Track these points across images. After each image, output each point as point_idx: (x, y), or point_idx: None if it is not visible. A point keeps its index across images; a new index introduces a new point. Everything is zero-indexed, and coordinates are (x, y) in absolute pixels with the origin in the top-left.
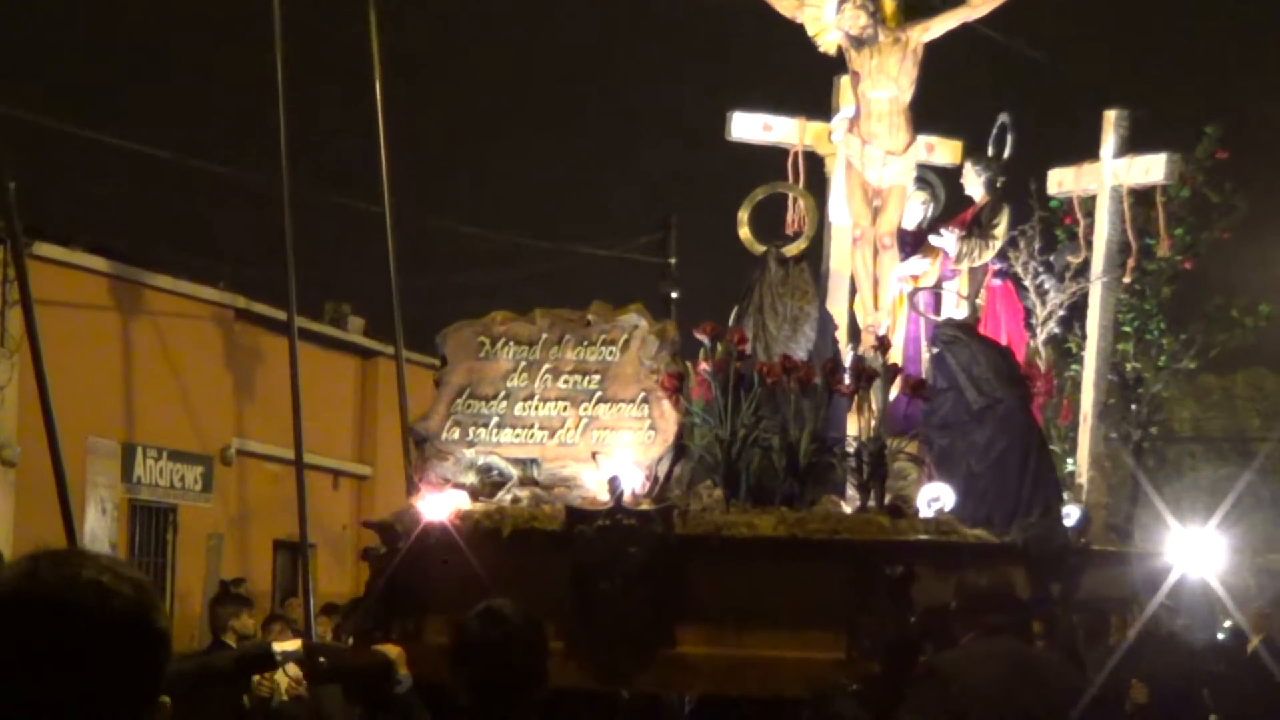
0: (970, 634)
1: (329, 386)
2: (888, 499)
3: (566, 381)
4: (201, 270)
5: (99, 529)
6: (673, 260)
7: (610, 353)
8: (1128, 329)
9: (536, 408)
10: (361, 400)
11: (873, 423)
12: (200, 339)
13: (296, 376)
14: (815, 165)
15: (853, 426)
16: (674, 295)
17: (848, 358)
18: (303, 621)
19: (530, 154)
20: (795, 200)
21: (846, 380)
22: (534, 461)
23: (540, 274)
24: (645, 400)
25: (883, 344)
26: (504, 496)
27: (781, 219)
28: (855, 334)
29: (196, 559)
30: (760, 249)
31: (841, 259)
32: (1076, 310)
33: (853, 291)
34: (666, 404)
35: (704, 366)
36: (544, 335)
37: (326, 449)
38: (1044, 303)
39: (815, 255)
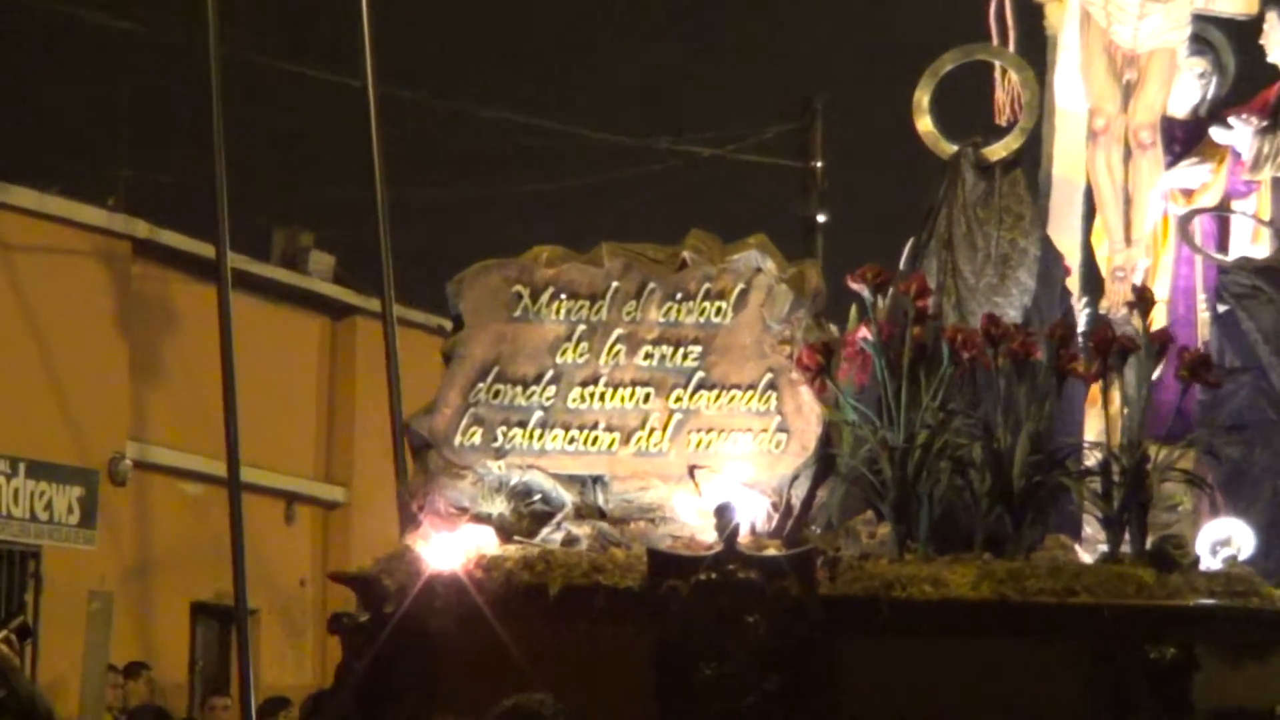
0: None
1: (281, 362)
2: (1150, 541)
3: (649, 356)
4: (81, 181)
5: None
6: (818, 164)
7: (718, 311)
8: None
9: (602, 397)
10: (331, 383)
11: (1127, 422)
12: (79, 286)
13: (230, 346)
14: (1033, 18)
15: (1092, 428)
16: (820, 219)
17: (1084, 319)
18: None
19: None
20: (1003, 74)
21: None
22: (598, 481)
23: (608, 187)
24: (772, 386)
25: (1141, 298)
26: (551, 535)
27: (983, 103)
28: (1096, 282)
29: (70, 631)
30: (949, 150)
31: (1074, 165)
32: None
33: (1091, 215)
34: (805, 392)
35: (862, 334)
36: (614, 284)
37: (276, 460)
38: None
39: (1034, 160)
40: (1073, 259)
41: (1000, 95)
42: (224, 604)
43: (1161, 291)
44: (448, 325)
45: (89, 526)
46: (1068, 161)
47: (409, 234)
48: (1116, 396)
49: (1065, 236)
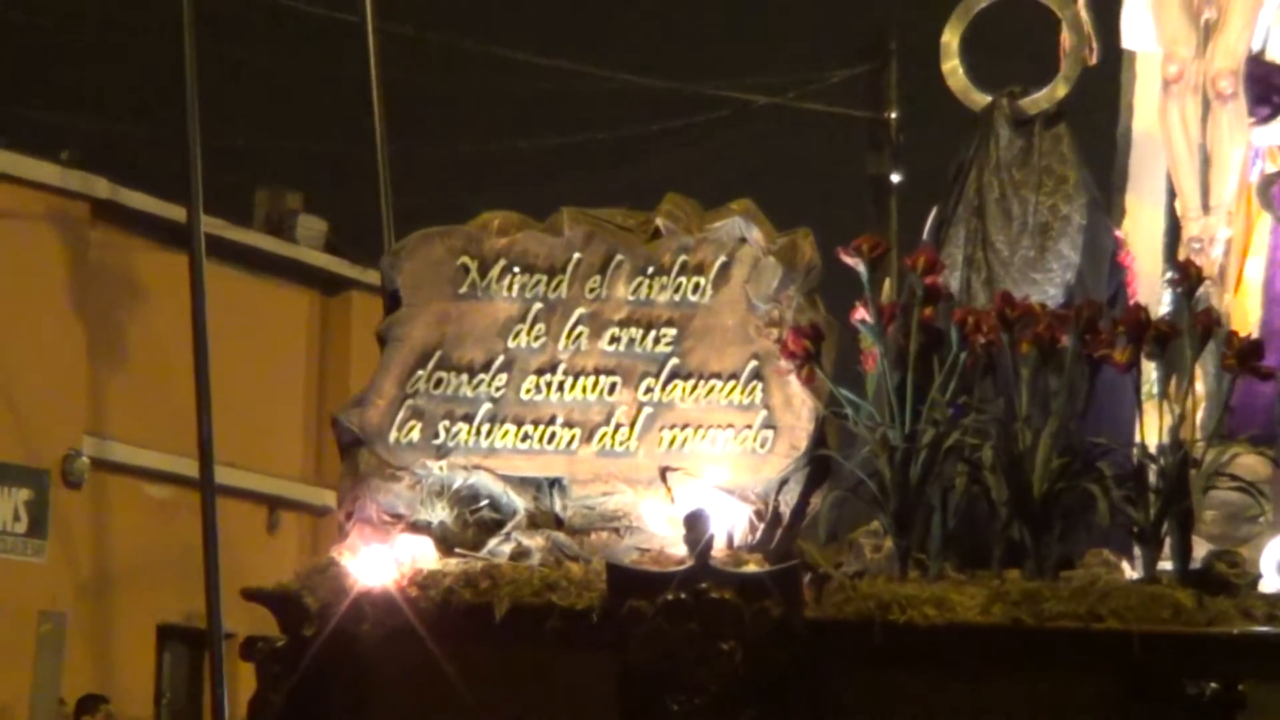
0: None
1: (263, 343)
2: (1198, 557)
3: (616, 340)
4: (33, 133)
5: None
6: (892, 115)
7: (696, 288)
8: None
9: (561, 387)
10: (322, 368)
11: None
12: (27, 254)
13: (203, 326)
14: None
15: (1152, 429)
16: (894, 179)
17: (1168, 298)
18: None
19: None
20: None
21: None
22: (555, 484)
23: (643, 141)
24: (758, 375)
25: (1185, 273)
26: (499, 547)
27: (1036, 48)
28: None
29: (16, 657)
30: (982, 101)
31: (1142, 117)
32: None
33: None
34: (795, 383)
35: (859, 316)
36: (576, 256)
37: (258, 458)
38: None
39: (1087, 112)
40: (1156, 227)
41: (1066, 38)
42: (195, 626)
43: (1254, 271)
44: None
45: (38, 536)
46: (1151, 113)
47: (412, 195)
48: (1186, 391)
49: (1148, 201)
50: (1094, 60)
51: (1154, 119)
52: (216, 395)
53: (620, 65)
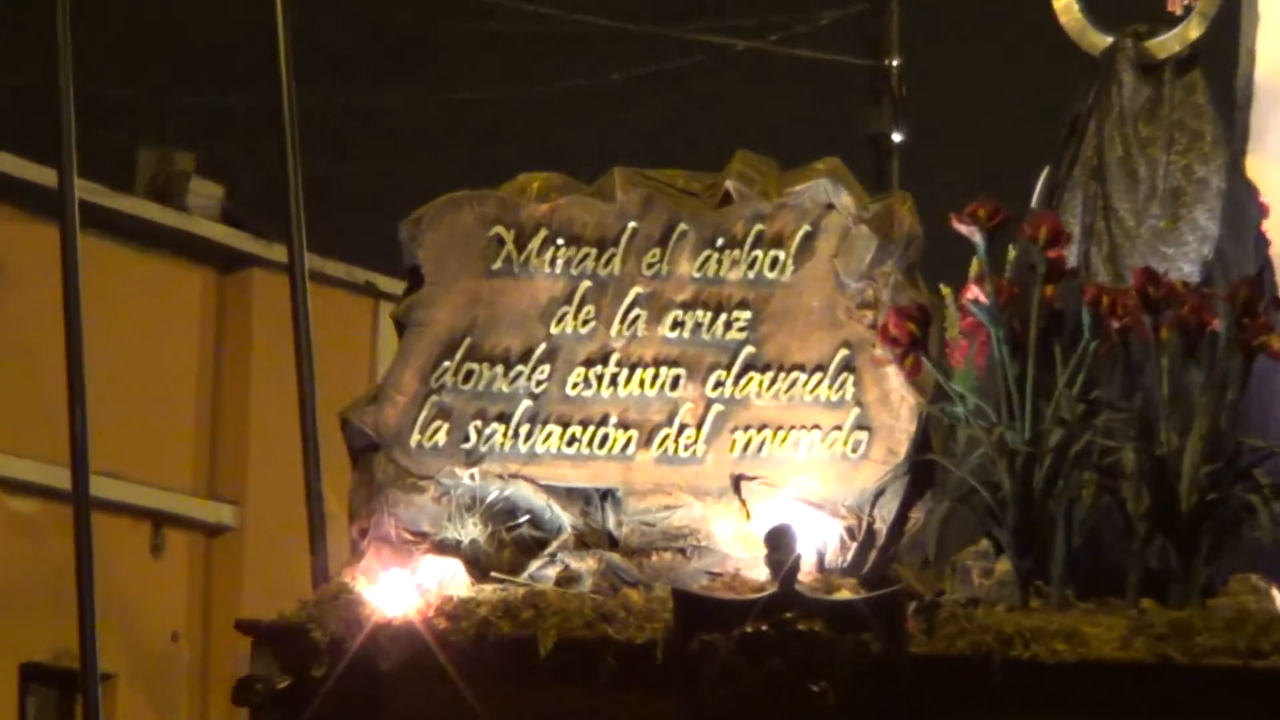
0: None
1: (148, 331)
2: None
3: (679, 326)
4: None
5: None
6: (893, 63)
7: (774, 263)
8: None
9: (614, 381)
10: (217, 360)
11: None
12: None
13: (76, 309)
14: None
15: None
16: (896, 138)
17: None
18: None
19: None
20: None
21: None
22: (608, 497)
23: (608, 93)
24: (849, 367)
25: None
26: (543, 570)
27: None
28: None
29: None
30: (1101, 44)
31: (1268, 64)
32: None
33: None
34: (893, 375)
35: (973, 295)
36: (631, 225)
37: (140, 467)
38: None
39: (1230, 60)
40: None
41: None
42: (66, 666)
43: None
44: (381, 281)
45: None
46: (1278, 60)
47: (328, 156)
48: None
49: (1270, 161)
50: None
51: None
52: (92, 392)
53: (577, 6)
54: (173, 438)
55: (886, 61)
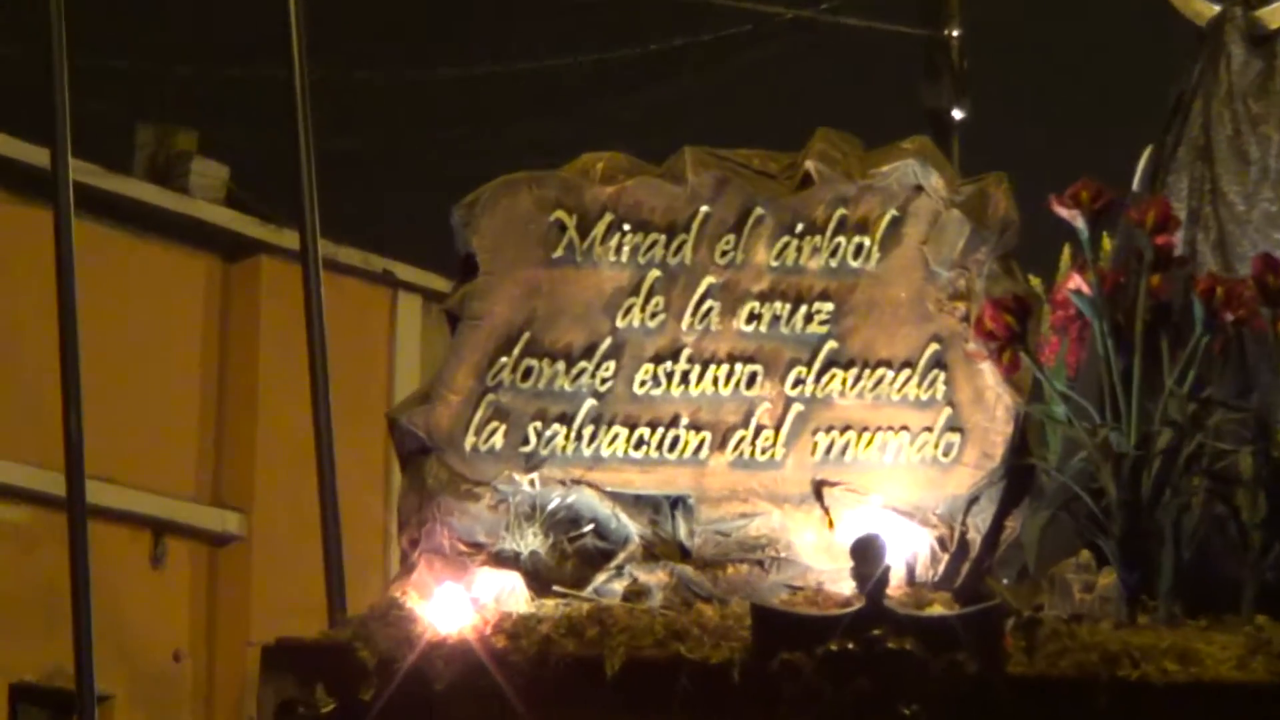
0: None
1: (149, 323)
2: None
3: (756, 318)
4: None
5: None
6: (954, 33)
7: (859, 251)
8: None
9: (685, 379)
10: (222, 355)
11: None
12: None
13: (71, 301)
14: None
15: None
16: (957, 115)
17: None
18: None
19: None
20: None
21: None
22: (679, 504)
23: (643, 64)
24: (940, 363)
25: None
26: (609, 584)
27: None
28: None
29: None
30: (1209, 12)
31: None
32: None
33: None
34: (990, 373)
35: (1074, 285)
36: (703, 209)
37: (140, 472)
38: None
39: None
40: None
41: None
42: (59, 687)
43: None
44: (400, 270)
45: None
46: None
47: (343, 133)
48: None
49: None
50: None
51: None
52: (88, 390)
53: None
54: (174, 440)
55: (946, 32)
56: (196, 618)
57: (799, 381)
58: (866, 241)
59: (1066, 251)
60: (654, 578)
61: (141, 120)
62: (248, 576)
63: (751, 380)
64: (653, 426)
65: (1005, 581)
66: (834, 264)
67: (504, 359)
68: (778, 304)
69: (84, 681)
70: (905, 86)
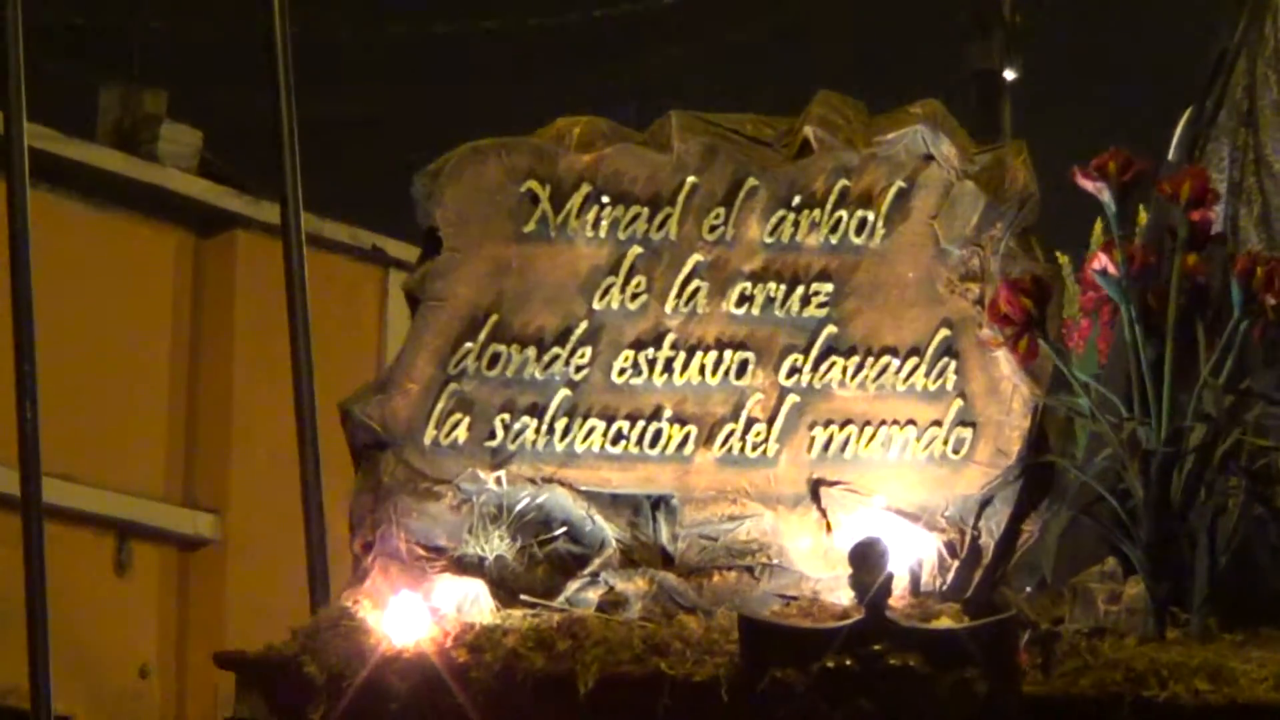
0: None
1: (114, 304)
2: None
3: (747, 300)
4: None
5: None
6: None
7: (862, 226)
8: None
9: (669, 367)
10: (194, 339)
11: None
12: None
13: (26, 280)
14: None
15: None
16: (1008, 76)
17: None
18: None
19: None
20: None
21: None
22: (660, 505)
23: (645, 19)
24: (950, 351)
25: None
26: (583, 593)
27: None
28: None
29: None
30: None
31: None
32: None
33: None
34: (1005, 361)
35: (1100, 265)
36: (689, 180)
37: (103, 470)
38: None
39: None
40: None
41: None
42: (13, 706)
43: None
44: (391, 246)
45: None
46: None
47: (326, 97)
48: None
49: None
50: None
51: None
52: (45, 380)
53: None
54: (141, 434)
55: None
56: (165, 629)
57: (794, 370)
58: (870, 216)
59: (1098, 226)
60: (632, 586)
61: (105, 81)
62: (221, 584)
63: (742, 369)
64: (632, 419)
65: (1023, 592)
66: (834, 241)
67: (469, 344)
68: (771, 285)
69: (40, 701)
70: (953, 45)
